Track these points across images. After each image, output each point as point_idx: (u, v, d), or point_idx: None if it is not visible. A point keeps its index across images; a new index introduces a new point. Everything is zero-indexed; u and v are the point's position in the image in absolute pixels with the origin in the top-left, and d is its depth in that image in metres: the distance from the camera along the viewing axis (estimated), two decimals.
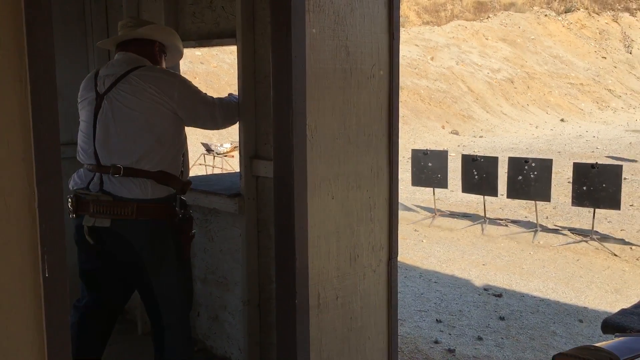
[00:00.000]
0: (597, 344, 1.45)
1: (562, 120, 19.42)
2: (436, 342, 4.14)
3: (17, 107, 1.36)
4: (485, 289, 5.34)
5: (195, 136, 13.30)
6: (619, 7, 26.44)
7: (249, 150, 2.99)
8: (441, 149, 10.90)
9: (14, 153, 1.36)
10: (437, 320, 4.54)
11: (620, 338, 1.50)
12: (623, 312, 1.81)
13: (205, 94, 2.72)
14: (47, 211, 1.40)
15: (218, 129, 2.82)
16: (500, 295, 5.14)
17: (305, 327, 2.35)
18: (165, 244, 2.50)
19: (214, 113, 2.64)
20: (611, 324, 1.72)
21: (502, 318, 4.60)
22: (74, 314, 2.55)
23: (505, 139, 16.59)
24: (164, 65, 2.76)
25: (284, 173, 2.30)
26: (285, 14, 2.16)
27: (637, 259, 6.31)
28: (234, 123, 2.85)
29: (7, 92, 1.34)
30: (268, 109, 2.76)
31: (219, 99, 2.76)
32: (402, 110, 16.50)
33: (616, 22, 25.90)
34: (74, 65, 3.62)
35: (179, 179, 2.57)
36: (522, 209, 8.33)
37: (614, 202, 6.73)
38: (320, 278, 2.48)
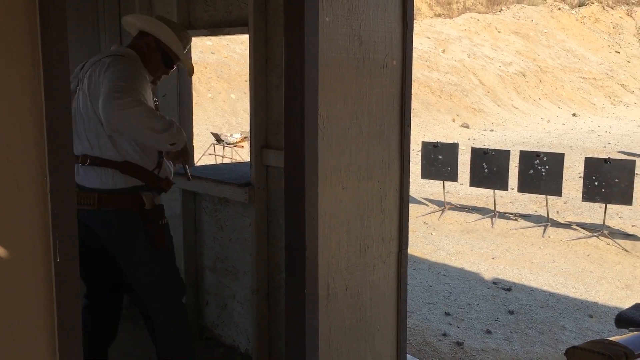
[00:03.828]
0: (611, 338, 1.43)
1: (574, 114, 19.27)
2: (444, 334, 4.13)
3: (30, 91, 1.35)
4: (494, 283, 5.32)
5: (205, 126, 13.32)
6: (634, 1, 26.13)
7: (259, 140, 2.98)
8: (451, 142, 10.85)
9: (26, 138, 1.36)
10: (445, 313, 4.53)
11: (635, 332, 1.48)
12: (637, 306, 1.79)
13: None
14: (59, 196, 1.39)
15: (114, 123, 2.30)
16: (509, 289, 5.11)
17: (314, 317, 2.35)
18: (133, 234, 2.46)
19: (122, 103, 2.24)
20: (625, 318, 1.70)
21: (511, 312, 4.58)
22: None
23: (516, 132, 16.48)
24: (158, 61, 2.60)
25: (295, 163, 2.29)
26: (299, 1, 2.14)
27: None
28: (138, 130, 2.34)
29: (21, 76, 1.34)
30: (279, 98, 2.75)
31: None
32: (413, 103, 16.39)
33: (630, 16, 25.61)
34: (85, 57, 3.62)
35: (152, 173, 2.50)
36: (532, 203, 8.28)
37: (626, 198, 6.67)
38: (330, 268, 2.47)
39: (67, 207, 1.42)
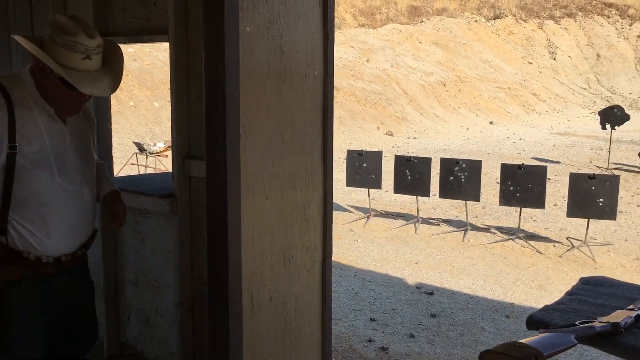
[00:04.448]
0: (522, 340, 1.50)
1: (491, 122, 20.10)
2: (370, 340, 4.18)
3: None
4: (417, 287, 5.45)
5: (127, 135, 12.93)
6: (544, 15, 27.64)
7: (181, 150, 2.92)
8: (376, 149, 11.06)
9: None
10: (371, 319, 4.60)
11: (544, 334, 1.55)
12: (546, 308, 1.88)
13: None
14: None
15: None
16: (432, 293, 5.26)
17: (238, 329, 2.32)
18: None
19: None
20: (535, 320, 1.78)
21: (433, 315, 4.71)
22: None
23: (438, 140, 17.00)
24: (58, 87, 2.00)
25: (217, 173, 2.27)
26: (218, 10, 2.12)
27: (560, 256, 6.61)
28: None
29: None
30: (201, 107, 2.71)
31: None
32: (338, 111, 16.62)
33: (541, 29, 27.06)
34: None
35: None
36: (453, 208, 8.56)
37: (538, 202, 7.03)
38: (254, 279, 2.45)
39: None
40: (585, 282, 2.15)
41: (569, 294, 2.06)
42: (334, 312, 4.58)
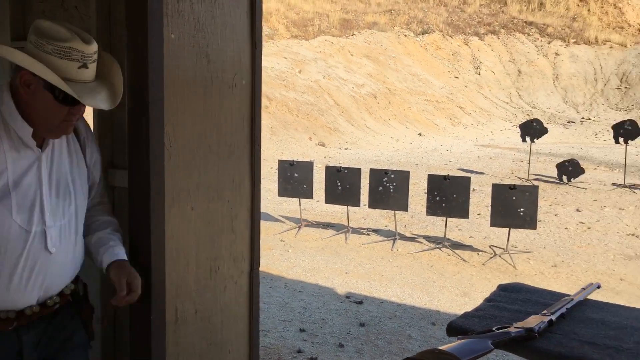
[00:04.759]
0: (441, 347, 1.53)
1: (419, 134, 20.64)
2: (299, 351, 4.17)
3: None
4: (347, 297, 5.49)
5: None
6: (469, 32, 28.74)
7: (105, 159, 2.82)
8: (308, 160, 11.11)
9: None
10: (300, 329, 4.59)
11: (462, 340, 1.60)
12: (466, 315, 1.93)
13: None
14: None
15: None
16: (361, 302, 5.31)
17: (161, 343, 2.26)
18: None
19: None
20: (455, 327, 1.82)
21: (362, 324, 4.75)
22: None
23: (369, 151, 17.29)
24: (49, 103, 1.72)
25: (139, 183, 2.20)
26: (142, 16, 2.07)
27: (483, 264, 6.84)
28: None
29: None
30: (124, 116, 2.63)
31: None
32: (271, 122, 16.61)
33: (467, 45, 28.10)
34: None
35: None
36: (383, 218, 8.71)
37: (463, 212, 7.26)
38: (179, 292, 2.39)
39: None
40: (502, 288, 2.23)
41: (488, 300, 2.13)
42: (263, 323, 4.55)
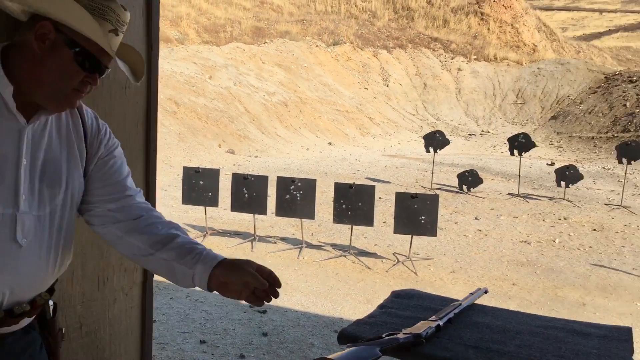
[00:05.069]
0: (329, 356, 1.52)
1: (329, 143, 20.89)
2: None
3: None
4: (250, 306, 5.42)
5: None
6: (379, 45, 29.54)
7: None
8: (217, 167, 10.93)
9: None
10: (201, 341, 4.47)
11: (351, 348, 1.59)
12: (357, 322, 1.93)
13: None
14: None
15: None
16: (264, 312, 5.25)
17: None
18: None
19: None
20: (345, 335, 1.82)
21: (265, 334, 4.70)
22: None
23: (279, 159, 17.28)
24: (67, 64, 1.45)
25: None
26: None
27: (387, 271, 6.99)
28: None
29: None
30: None
31: None
32: (179, 128, 16.22)
33: (376, 57, 28.85)
34: None
35: None
36: (290, 226, 8.70)
37: (368, 220, 7.39)
38: (62, 305, 2.24)
39: None
40: (395, 295, 2.27)
41: (380, 307, 2.15)
42: (161, 336, 4.38)
